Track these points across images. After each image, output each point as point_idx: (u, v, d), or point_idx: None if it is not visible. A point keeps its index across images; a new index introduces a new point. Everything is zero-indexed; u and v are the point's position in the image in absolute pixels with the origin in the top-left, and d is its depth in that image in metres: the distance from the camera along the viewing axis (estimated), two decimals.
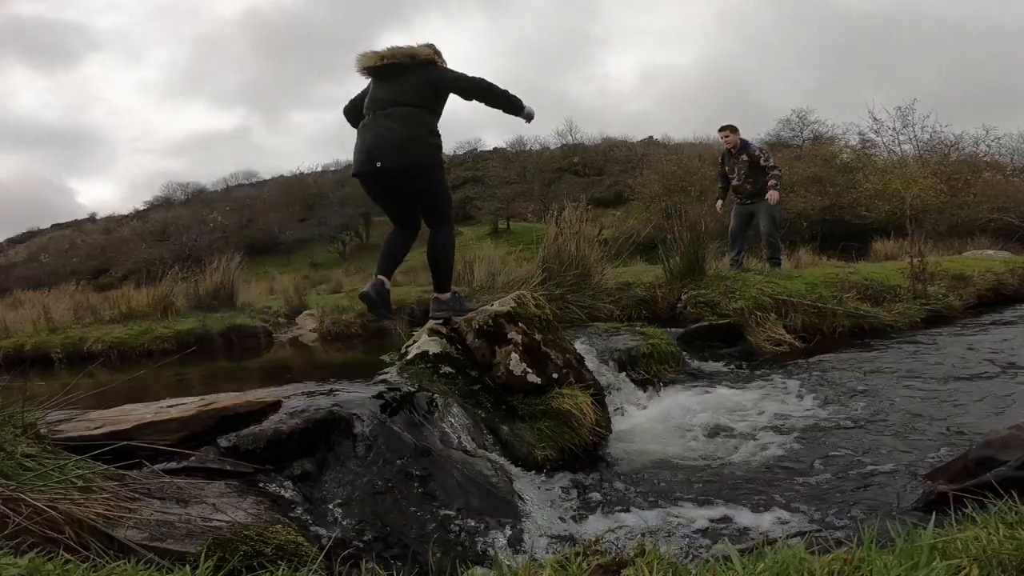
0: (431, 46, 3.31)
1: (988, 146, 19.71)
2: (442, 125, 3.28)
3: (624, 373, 3.66)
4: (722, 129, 6.71)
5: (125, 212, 43.40)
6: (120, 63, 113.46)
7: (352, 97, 3.45)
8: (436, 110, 3.23)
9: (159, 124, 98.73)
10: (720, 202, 7.15)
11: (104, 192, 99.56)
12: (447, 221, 3.33)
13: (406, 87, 3.15)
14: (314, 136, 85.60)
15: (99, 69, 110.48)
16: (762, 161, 6.55)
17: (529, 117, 3.42)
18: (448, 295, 3.30)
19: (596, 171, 35.33)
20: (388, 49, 3.21)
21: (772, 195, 6.39)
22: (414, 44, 3.25)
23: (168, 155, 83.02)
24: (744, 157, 6.60)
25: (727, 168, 6.80)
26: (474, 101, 3.29)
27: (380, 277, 3.23)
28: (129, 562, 1.16)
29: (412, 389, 2.46)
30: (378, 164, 3.08)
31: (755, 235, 7.17)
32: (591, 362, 3.41)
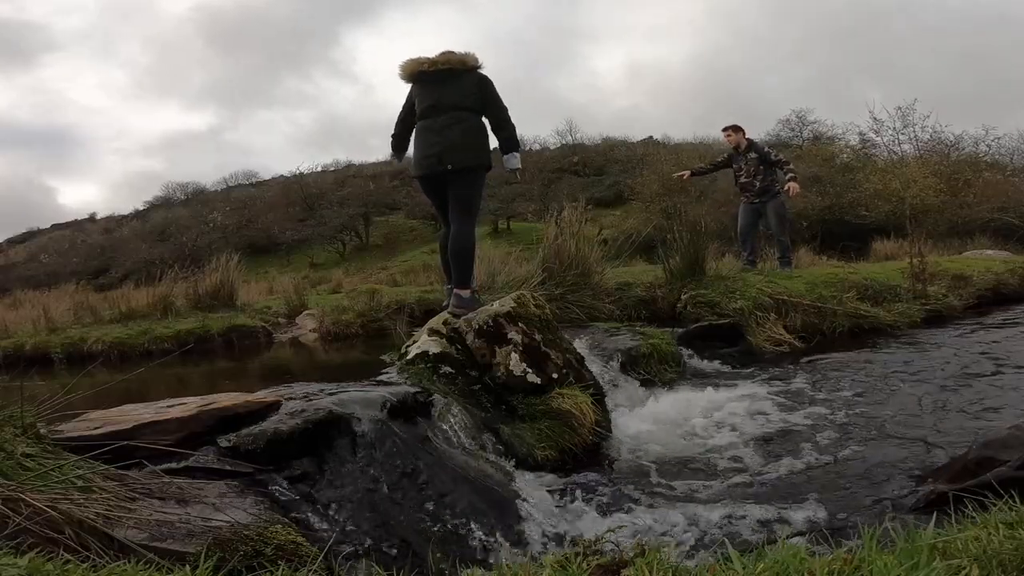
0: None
1: (988, 146, 19.65)
2: None
3: (624, 373, 3.66)
4: (725, 129, 6.73)
5: (125, 212, 43.46)
6: (85, 64, 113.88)
7: (400, 114, 3.62)
8: (485, 113, 3.43)
9: (134, 124, 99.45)
10: (687, 172, 7.42)
11: (87, 192, 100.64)
12: (474, 218, 3.52)
13: (463, 91, 3.35)
14: (293, 133, 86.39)
15: (64, 70, 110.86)
16: (772, 156, 6.52)
17: (514, 167, 3.54)
18: (468, 292, 3.36)
19: (596, 171, 35.24)
20: (441, 55, 3.40)
21: (792, 186, 6.22)
22: (463, 51, 3.43)
23: (145, 154, 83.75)
24: (752, 154, 6.56)
25: (735, 166, 6.77)
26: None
27: (451, 287, 3.46)
28: (129, 562, 1.16)
29: (412, 389, 2.46)
30: (449, 167, 3.28)
31: (762, 234, 7.16)
32: (591, 362, 3.41)
